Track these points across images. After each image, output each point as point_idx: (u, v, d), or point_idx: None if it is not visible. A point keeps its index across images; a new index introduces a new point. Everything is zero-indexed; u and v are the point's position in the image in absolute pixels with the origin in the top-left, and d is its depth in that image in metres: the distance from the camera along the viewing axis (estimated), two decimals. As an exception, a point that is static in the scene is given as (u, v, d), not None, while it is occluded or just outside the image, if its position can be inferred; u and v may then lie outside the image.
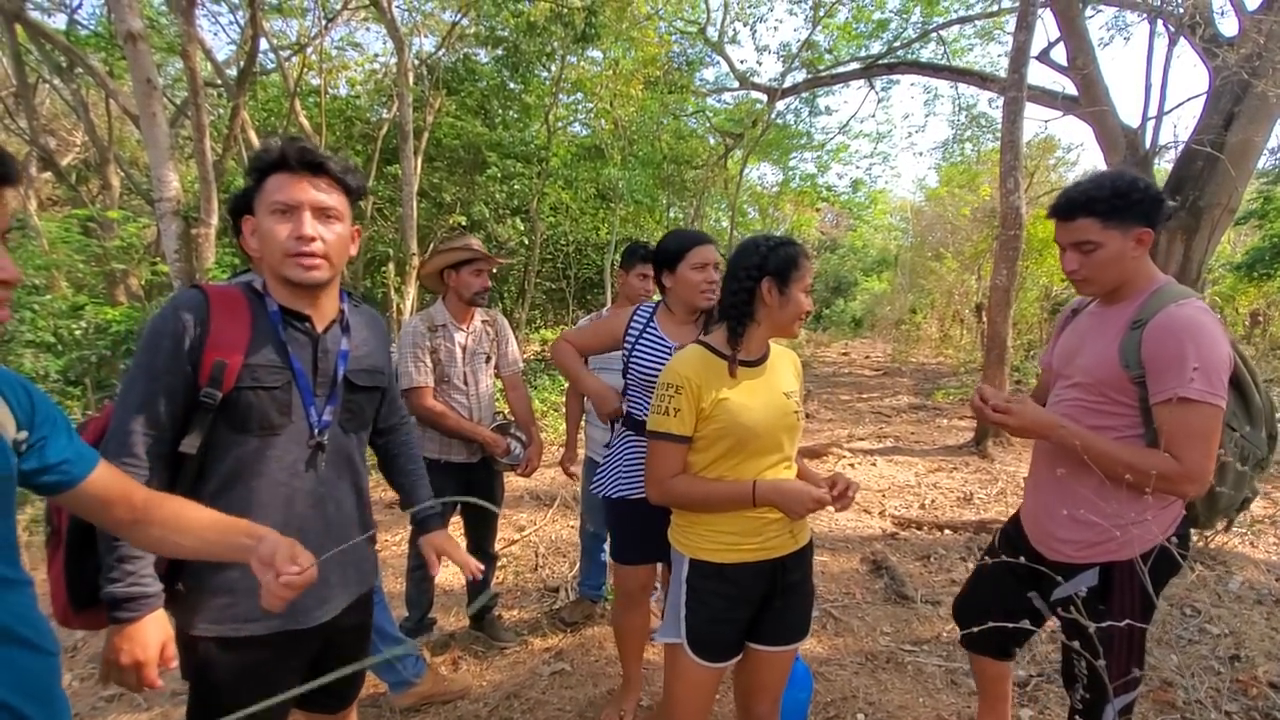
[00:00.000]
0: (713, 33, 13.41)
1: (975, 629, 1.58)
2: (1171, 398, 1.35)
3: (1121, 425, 1.48)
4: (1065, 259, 1.53)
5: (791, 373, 1.66)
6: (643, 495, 2.03)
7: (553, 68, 9.91)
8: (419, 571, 2.67)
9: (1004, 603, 1.73)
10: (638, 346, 2.06)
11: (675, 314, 2.07)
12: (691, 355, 1.55)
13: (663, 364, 2.00)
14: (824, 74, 13.92)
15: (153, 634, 1.14)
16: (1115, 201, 1.44)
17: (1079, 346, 1.60)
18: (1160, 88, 8.99)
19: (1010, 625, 1.54)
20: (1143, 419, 1.46)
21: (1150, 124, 9.31)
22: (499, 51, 9.79)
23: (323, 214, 1.21)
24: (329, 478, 1.32)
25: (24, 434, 0.90)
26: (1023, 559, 1.59)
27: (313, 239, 1.20)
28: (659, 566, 3.00)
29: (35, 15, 7.84)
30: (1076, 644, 1.47)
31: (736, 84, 14.47)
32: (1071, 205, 1.48)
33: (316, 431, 1.28)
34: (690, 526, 1.58)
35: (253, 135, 8.21)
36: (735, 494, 1.49)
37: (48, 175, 9.58)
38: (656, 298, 2.25)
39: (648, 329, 2.07)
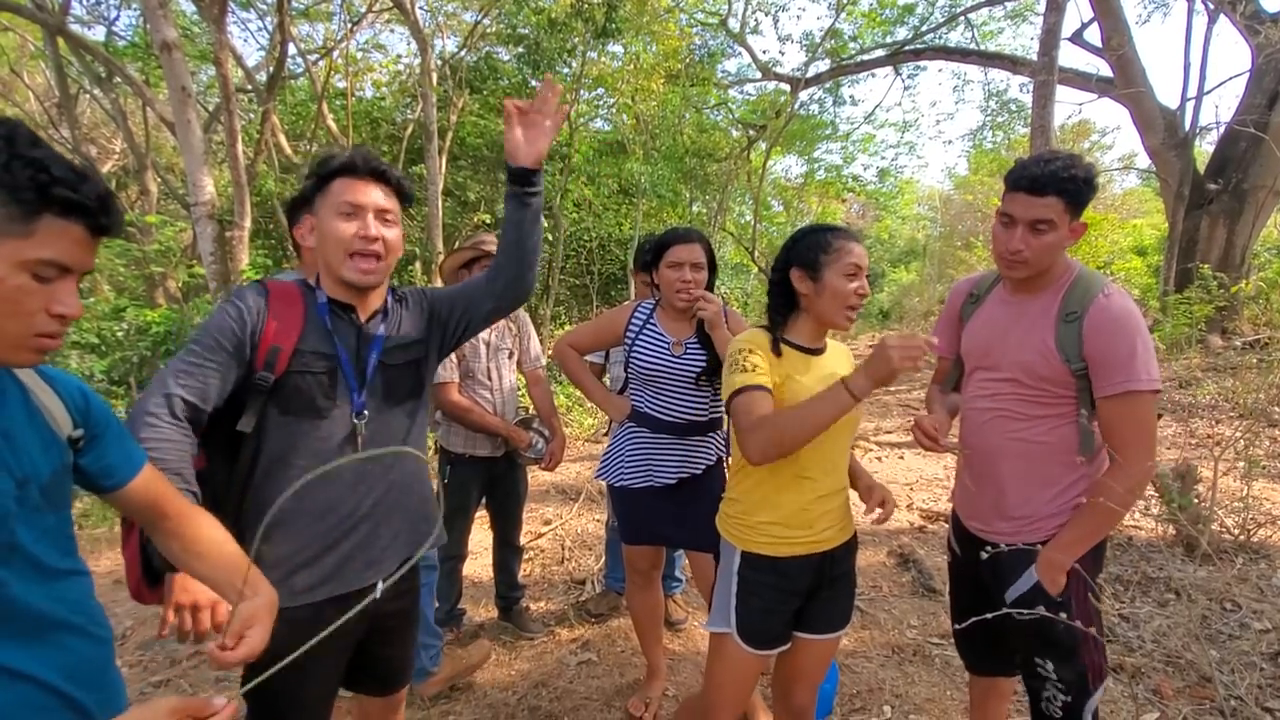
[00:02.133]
0: (734, 24, 13.31)
1: (964, 624, 1.57)
2: (1122, 391, 1.37)
3: (1059, 413, 1.50)
4: (1010, 237, 1.45)
5: (849, 365, 1.64)
6: (644, 484, 2.08)
7: (574, 64, 9.93)
8: (449, 563, 2.72)
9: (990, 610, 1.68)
10: (638, 341, 2.09)
11: (668, 311, 2.10)
12: (756, 332, 1.57)
13: (662, 358, 2.04)
14: (848, 62, 13.73)
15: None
16: (1084, 188, 1.40)
17: (1000, 337, 1.57)
18: (1200, 67, 8.67)
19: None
20: (1078, 406, 1.48)
21: (1190, 104, 9.03)
22: (520, 49, 9.85)
23: (383, 217, 1.33)
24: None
25: (80, 431, 0.95)
26: (987, 551, 1.53)
27: (376, 238, 1.31)
28: (683, 559, 3.03)
29: (76, 28, 8.11)
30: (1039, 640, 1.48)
31: (759, 75, 14.36)
32: (1046, 180, 1.39)
33: (354, 415, 1.35)
34: (743, 518, 1.58)
35: (283, 139, 8.40)
36: (832, 399, 1.35)
37: (90, 182, 9.90)
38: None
39: (648, 324, 2.11)
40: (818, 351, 1.57)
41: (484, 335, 2.58)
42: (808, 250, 1.49)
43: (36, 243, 0.78)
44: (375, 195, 1.32)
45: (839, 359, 1.63)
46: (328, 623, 1.26)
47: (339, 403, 1.32)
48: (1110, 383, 1.39)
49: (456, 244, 2.47)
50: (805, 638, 1.62)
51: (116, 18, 9.26)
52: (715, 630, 1.61)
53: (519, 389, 2.78)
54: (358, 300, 1.37)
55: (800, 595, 1.58)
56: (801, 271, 1.49)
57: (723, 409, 2.23)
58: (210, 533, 1.10)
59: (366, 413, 1.37)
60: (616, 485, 2.16)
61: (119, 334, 5.34)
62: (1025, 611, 1.42)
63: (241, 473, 1.30)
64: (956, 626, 1.76)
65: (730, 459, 1.66)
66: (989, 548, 1.50)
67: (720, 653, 1.61)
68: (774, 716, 1.80)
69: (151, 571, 1.23)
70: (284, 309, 1.30)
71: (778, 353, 1.52)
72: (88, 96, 10.19)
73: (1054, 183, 1.39)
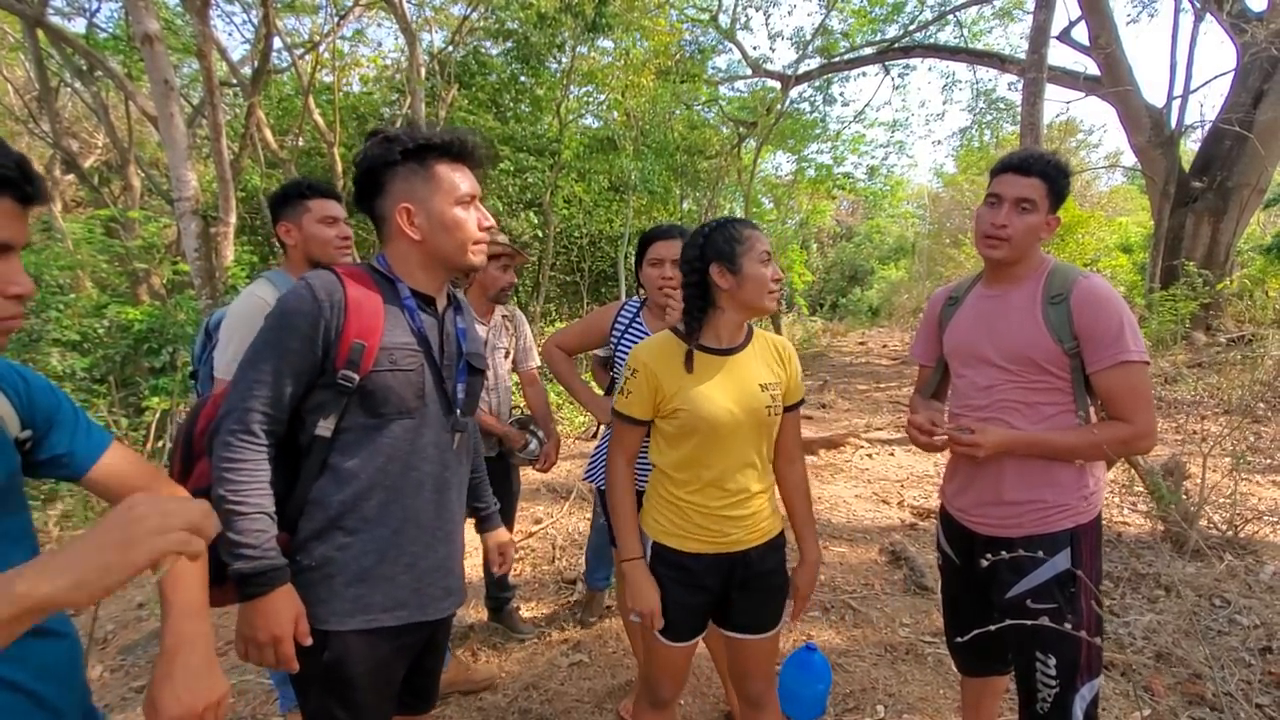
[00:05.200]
0: (725, 20, 13.28)
1: (962, 638, 1.58)
2: (1116, 363, 1.45)
3: (1058, 399, 1.54)
4: (996, 213, 1.55)
5: (773, 362, 1.57)
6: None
7: (563, 59, 9.87)
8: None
9: (990, 613, 1.65)
10: (624, 341, 2.08)
11: (654, 309, 2.08)
12: (657, 341, 1.55)
13: None
14: (838, 60, 13.74)
15: (285, 608, 1.12)
16: (1062, 179, 1.53)
17: (987, 329, 1.61)
18: (1186, 65, 8.75)
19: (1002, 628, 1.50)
20: (1074, 389, 1.53)
21: (1176, 103, 9.10)
22: (509, 44, 9.77)
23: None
24: (453, 463, 1.31)
25: (27, 432, 0.91)
26: (986, 559, 1.54)
27: (494, 226, 1.29)
28: None
29: (56, 20, 7.96)
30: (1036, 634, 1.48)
31: (749, 72, 14.34)
32: (1033, 162, 1.53)
33: (460, 411, 1.29)
34: (655, 510, 1.58)
35: (268, 134, 8.28)
36: (626, 549, 1.55)
37: (71, 177, 9.74)
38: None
39: (633, 323, 2.09)
40: (733, 350, 1.52)
41: (480, 332, 2.55)
42: (723, 244, 1.47)
43: None
44: (476, 182, 1.28)
45: (762, 360, 1.56)
46: (403, 641, 1.25)
47: (429, 403, 1.24)
48: (1103, 356, 1.46)
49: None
50: (737, 637, 1.61)
51: (97, 9, 9.13)
52: (633, 617, 1.58)
53: (513, 389, 2.75)
54: (440, 291, 1.31)
55: (710, 592, 1.55)
56: (720, 266, 1.47)
57: None
58: None
59: (466, 408, 1.32)
60: (603, 488, 2.15)
61: (100, 331, 5.24)
62: (1030, 622, 1.41)
63: (309, 477, 1.20)
64: (959, 639, 1.75)
65: (649, 454, 1.62)
66: (988, 555, 1.49)
67: (647, 644, 1.62)
68: (735, 702, 1.80)
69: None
70: (363, 300, 1.19)
71: (690, 368, 1.47)
72: (68, 90, 10.00)
73: (1040, 165, 1.53)
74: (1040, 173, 1.51)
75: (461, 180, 1.24)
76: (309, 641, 1.15)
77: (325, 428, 1.17)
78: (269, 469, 1.15)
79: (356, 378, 1.16)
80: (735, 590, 1.57)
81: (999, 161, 1.60)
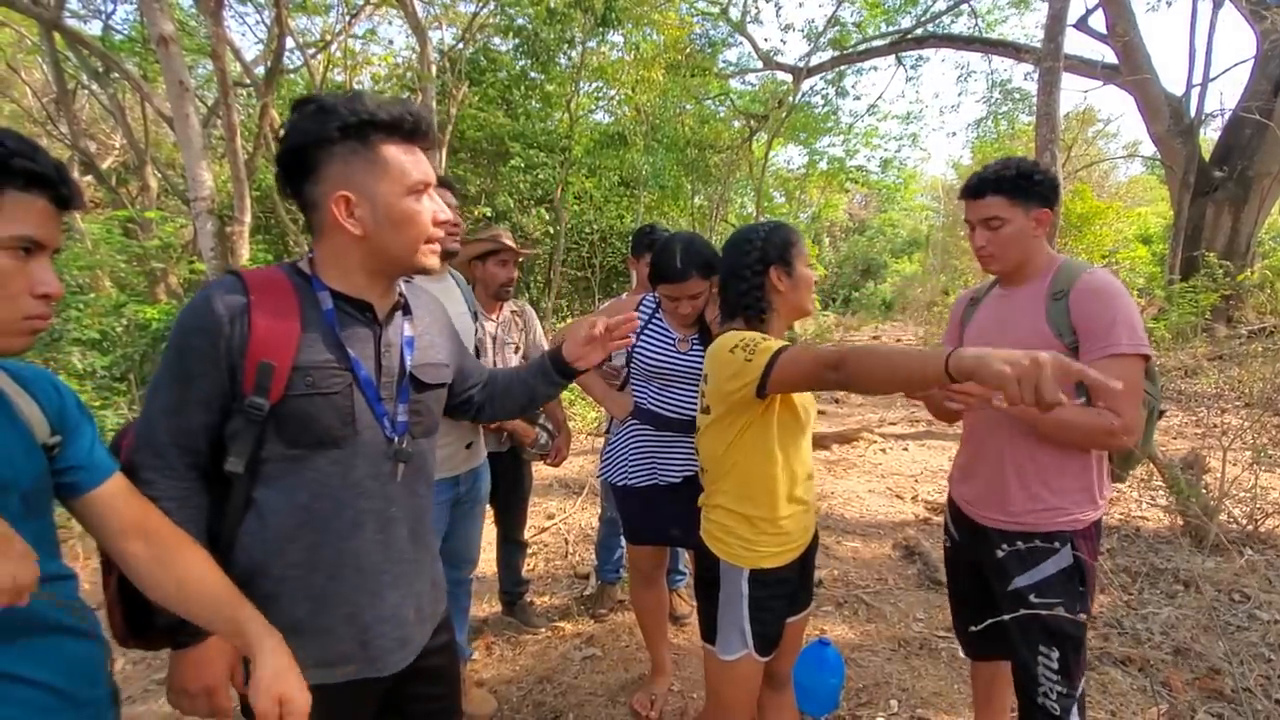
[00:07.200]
0: (735, 13, 13.19)
1: (974, 629, 1.59)
2: (1105, 354, 1.44)
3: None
4: (974, 237, 1.64)
5: None
6: (648, 483, 2.08)
7: (573, 55, 9.86)
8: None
9: (993, 595, 1.68)
10: (642, 337, 2.06)
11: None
12: (746, 334, 1.49)
13: (666, 354, 2.01)
14: (851, 52, 13.62)
15: (218, 657, 1.05)
16: (1020, 181, 1.55)
17: (999, 329, 1.64)
18: (1205, 53, 8.63)
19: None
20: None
21: (1195, 91, 8.95)
22: (518, 41, 9.78)
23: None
24: (400, 495, 1.13)
25: (57, 438, 0.90)
26: (1002, 549, 1.57)
27: (449, 220, 1.12)
28: (683, 552, 3.01)
29: (72, 23, 8.06)
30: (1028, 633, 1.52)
31: (760, 65, 14.25)
32: (981, 184, 1.58)
33: (397, 439, 1.10)
34: (749, 541, 1.51)
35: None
36: (930, 362, 1.10)
37: (89, 178, 9.87)
38: None
39: (653, 320, 2.07)
40: None
41: (489, 328, 2.56)
42: (781, 247, 1.52)
43: (4, 219, 0.78)
44: (429, 167, 1.08)
45: None
46: (356, 698, 1.12)
47: (360, 429, 1.06)
48: (1094, 348, 1.47)
49: (460, 237, 2.42)
50: (792, 621, 1.64)
51: (113, 11, 9.25)
52: (732, 657, 1.53)
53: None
54: (381, 296, 1.10)
55: (797, 589, 1.61)
56: (779, 269, 1.52)
57: None
58: (203, 566, 0.98)
59: (408, 437, 1.12)
60: (619, 484, 2.14)
61: (119, 330, 5.31)
62: (1042, 611, 1.41)
63: (234, 513, 1.05)
64: (972, 629, 1.76)
65: (706, 476, 1.60)
66: (1004, 546, 1.51)
67: (735, 675, 1.56)
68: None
69: (134, 619, 1.08)
70: (272, 311, 1.01)
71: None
72: (86, 92, 10.13)
73: (988, 184, 1.57)
74: (993, 189, 1.55)
75: (414, 165, 1.05)
76: (245, 689, 1.05)
77: (235, 463, 1.02)
78: (197, 503, 1.03)
79: (266, 404, 0.99)
80: (803, 574, 1.63)
81: (961, 187, 1.67)
